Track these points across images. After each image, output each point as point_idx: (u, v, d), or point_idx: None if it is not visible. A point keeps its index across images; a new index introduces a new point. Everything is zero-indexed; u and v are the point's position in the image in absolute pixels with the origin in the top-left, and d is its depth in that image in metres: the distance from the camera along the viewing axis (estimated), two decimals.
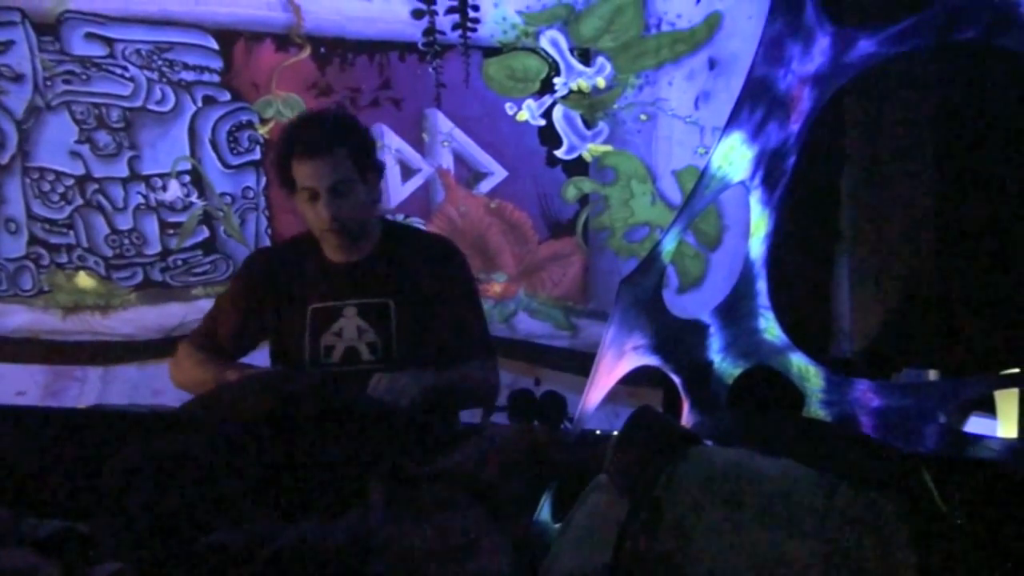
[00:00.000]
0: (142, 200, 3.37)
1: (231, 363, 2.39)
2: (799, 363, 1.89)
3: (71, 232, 3.36)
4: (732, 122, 1.69)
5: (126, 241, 3.39)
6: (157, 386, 3.40)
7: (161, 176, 3.37)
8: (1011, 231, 2.71)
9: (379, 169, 2.41)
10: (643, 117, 3.31)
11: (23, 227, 3.35)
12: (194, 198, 3.39)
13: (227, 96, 3.33)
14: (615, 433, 1.43)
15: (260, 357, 2.51)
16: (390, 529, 1.30)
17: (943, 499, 1.26)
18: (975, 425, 1.95)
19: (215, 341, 2.44)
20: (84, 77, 3.26)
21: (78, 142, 3.31)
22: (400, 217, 3.38)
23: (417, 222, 3.36)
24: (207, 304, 3.41)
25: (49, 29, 3.23)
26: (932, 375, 2.76)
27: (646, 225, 3.39)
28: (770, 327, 1.90)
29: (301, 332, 2.35)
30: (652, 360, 1.78)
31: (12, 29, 3.22)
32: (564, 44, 3.26)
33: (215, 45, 3.28)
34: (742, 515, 1.24)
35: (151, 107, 3.31)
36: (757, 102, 1.70)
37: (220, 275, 3.44)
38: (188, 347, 2.49)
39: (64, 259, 3.38)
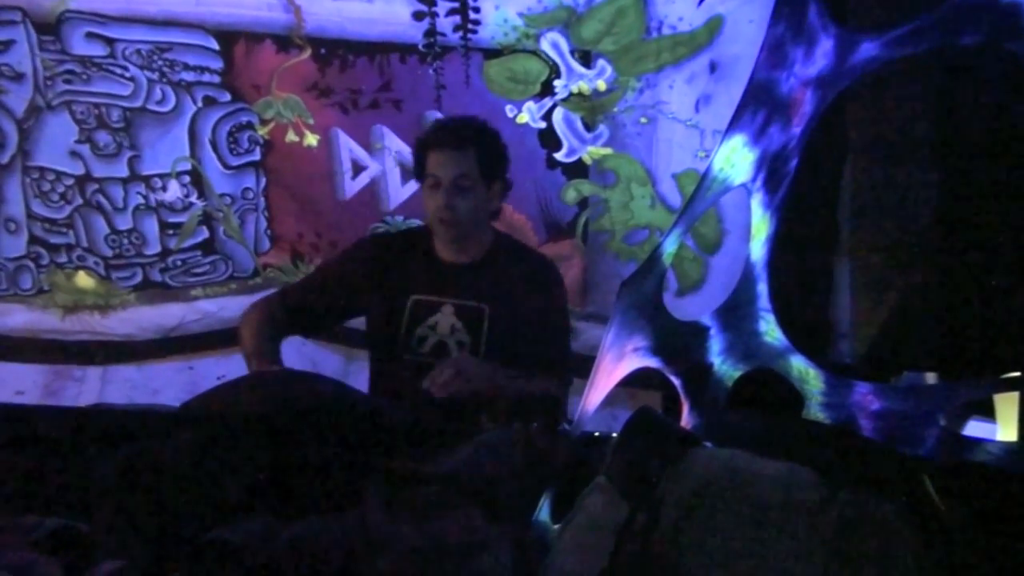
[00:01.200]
0: (142, 200, 3.37)
1: (271, 359, 2.46)
2: (799, 366, 1.89)
3: (71, 232, 3.36)
4: (734, 125, 1.69)
5: (126, 241, 3.39)
6: (156, 386, 3.41)
7: (161, 176, 3.37)
8: (1013, 234, 2.72)
9: (505, 182, 2.56)
10: (643, 120, 3.30)
11: (23, 226, 3.35)
12: (194, 199, 3.39)
13: (227, 97, 3.32)
14: (614, 435, 1.44)
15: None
16: (389, 529, 1.30)
17: (942, 502, 1.26)
18: (975, 428, 1.95)
19: (297, 310, 2.56)
20: (84, 77, 3.26)
21: (78, 142, 3.31)
22: (400, 219, 3.38)
23: (417, 223, 3.36)
24: (206, 304, 3.43)
25: (50, 28, 3.22)
26: (932, 378, 2.76)
27: (646, 228, 3.39)
28: (770, 330, 1.90)
29: (399, 320, 2.49)
30: (652, 362, 1.78)
31: (13, 28, 3.21)
32: (565, 46, 3.26)
33: (216, 46, 3.27)
34: (741, 517, 1.24)
35: (151, 107, 3.30)
36: (759, 105, 1.70)
37: (219, 275, 3.44)
38: (265, 308, 2.59)
39: (64, 259, 3.37)
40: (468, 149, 2.46)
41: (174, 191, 3.37)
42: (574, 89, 3.27)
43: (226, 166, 3.38)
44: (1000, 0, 1.49)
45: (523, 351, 2.47)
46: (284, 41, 3.27)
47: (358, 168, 3.39)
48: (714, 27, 3.21)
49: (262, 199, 3.41)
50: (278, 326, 2.55)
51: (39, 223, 3.35)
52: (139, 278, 3.41)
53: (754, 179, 1.79)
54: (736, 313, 1.90)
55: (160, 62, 3.26)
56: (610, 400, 1.77)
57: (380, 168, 3.37)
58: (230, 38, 3.27)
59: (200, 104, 3.32)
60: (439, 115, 3.31)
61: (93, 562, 1.26)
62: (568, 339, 2.67)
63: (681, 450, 1.33)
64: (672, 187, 3.35)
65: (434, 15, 3.22)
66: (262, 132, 3.36)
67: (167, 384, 3.40)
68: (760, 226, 1.87)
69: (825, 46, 1.69)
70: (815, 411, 1.85)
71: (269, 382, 1.85)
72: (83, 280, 3.40)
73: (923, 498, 1.26)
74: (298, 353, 3.44)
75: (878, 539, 1.20)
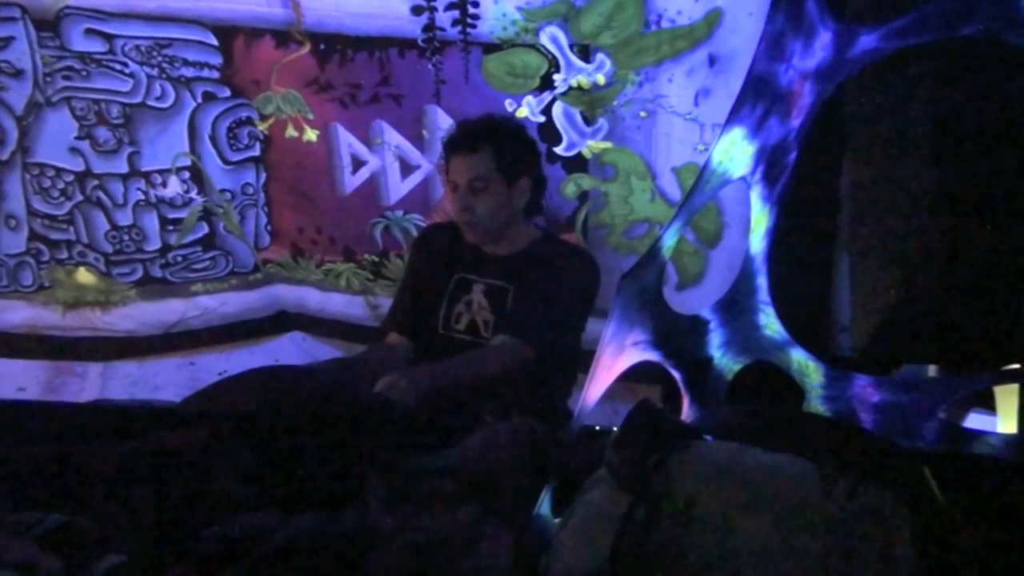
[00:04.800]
0: (142, 196, 3.37)
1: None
2: (799, 359, 1.89)
3: (71, 228, 3.36)
4: (733, 118, 1.69)
5: (126, 237, 3.39)
6: (157, 382, 3.41)
7: (161, 172, 3.36)
8: (1012, 227, 2.71)
9: (534, 177, 2.55)
10: (643, 114, 3.30)
11: (23, 223, 3.35)
12: (194, 194, 3.39)
13: (227, 92, 3.32)
14: (615, 428, 1.44)
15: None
16: (391, 523, 1.31)
17: (942, 494, 1.26)
18: (975, 421, 1.95)
19: (410, 323, 2.59)
20: (84, 73, 3.26)
21: (78, 138, 3.31)
22: (399, 214, 3.38)
23: (416, 218, 3.36)
24: (207, 300, 3.44)
25: (49, 25, 3.21)
26: (932, 371, 2.76)
27: (645, 222, 3.38)
28: (770, 323, 1.91)
29: (443, 296, 2.54)
30: (652, 356, 1.78)
31: (12, 25, 3.21)
32: (564, 40, 3.26)
33: (215, 41, 3.26)
34: (742, 509, 1.24)
35: (151, 103, 3.30)
36: (758, 98, 1.70)
37: (220, 271, 3.44)
38: (397, 338, 2.60)
39: (64, 255, 3.37)
40: (483, 150, 2.45)
41: (174, 187, 3.37)
42: (573, 83, 3.27)
43: (226, 162, 3.38)
44: None
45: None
46: (283, 36, 3.26)
47: (358, 163, 3.38)
48: (713, 20, 3.20)
49: (262, 194, 3.41)
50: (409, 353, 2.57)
51: (39, 219, 3.36)
52: (139, 274, 3.41)
53: (753, 172, 1.80)
54: (736, 306, 1.90)
55: (159, 58, 3.26)
56: (610, 394, 1.77)
57: (380, 163, 3.37)
58: (229, 33, 3.26)
59: (200, 100, 3.31)
60: (439, 109, 3.31)
61: (94, 558, 1.26)
62: (567, 311, 2.54)
63: (682, 443, 1.33)
64: (672, 181, 3.34)
65: (433, 10, 3.22)
66: (262, 127, 3.35)
67: (168, 380, 3.40)
68: (760, 219, 1.88)
69: (824, 39, 1.69)
70: (815, 404, 1.85)
71: (270, 377, 1.85)
72: (84, 276, 3.40)
73: (923, 490, 1.26)
74: (299, 348, 3.45)
75: (878, 530, 1.21)
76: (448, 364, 2.37)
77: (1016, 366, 2.10)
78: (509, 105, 3.29)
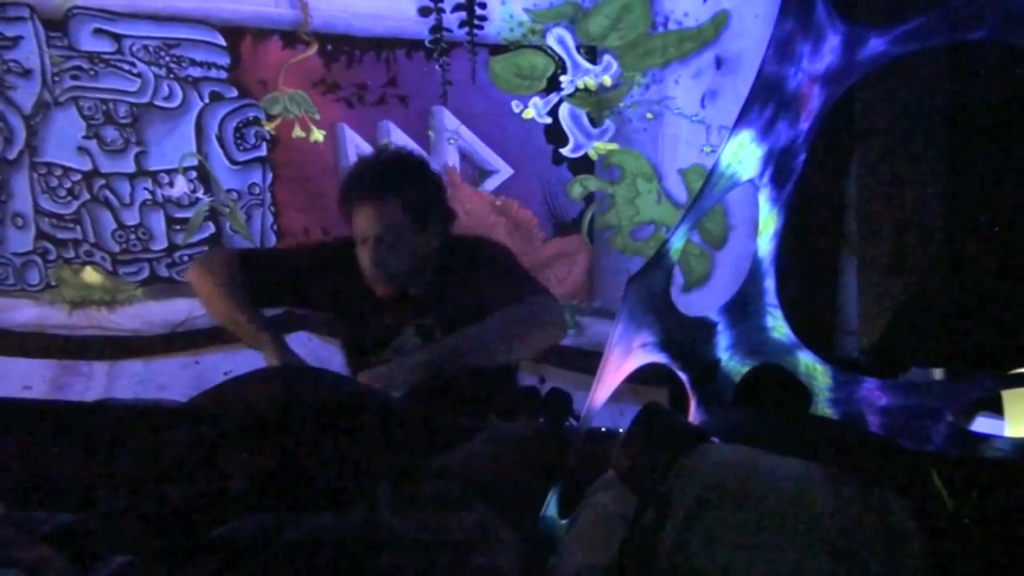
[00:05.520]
0: (149, 196, 3.37)
1: (260, 320, 2.42)
2: (807, 361, 1.89)
3: (78, 227, 3.37)
4: (741, 120, 1.68)
5: (133, 237, 3.39)
6: (163, 381, 3.42)
7: (168, 172, 3.37)
8: (1020, 231, 2.71)
9: (445, 215, 2.37)
10: (649, 115, 3.30)
11: (30, 222, 3.36)
12: (200, 194, 3.39)
13: (234, 92, 3.32)
14: (622, 430, 1.44)
15: None
16: (398, 523, 1.31)
17: (950, 498, 1.26)
18: (983, 425, 1.95)
19: (256, 279, 2.44)
20: (92, 73, 3.26)
21: (86, 137, 3.31)
22: None
23: None
24: None
25: (57, 25, 3.23)
26: (939, 374, 2.76)
27: (652, 223, 3.38)
28: (778, 325, 1.90)
29: (366, 335, 2.42)
30: (659, 358, 1.78)
31: (21, 24, 3.22)
32: (571, 42, 3.26)
33: (222, 41, 3.27)
34: (749, 512, 1.24)
35: (158, 103, 3.31)
36: (767, 100, 1.69)
37: None
38: (224, 267, 2.47)
39: (71, 254, 3.38)
40: (392, 200, 2.27)
41: (181, 187, 3.38)
42: (580, 85, 3.27)
43: (233, 161, 3.38)
44: None
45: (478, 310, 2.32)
46: (291, 37, 3.27)
47: None
48: (720, 22, 3.20)
49: (268, 194, 3.42)
50: (241, 289, 2.45)
51: (46, 218, 3.36)
52: (146, 273, 3.42)
53: (761, 175, 1.79)
54: (743, 309, 1.90)
55: (167, 58, 3.27)
56: (617, 396, 1.77)
57: None
58: (237, 34, 3.27)
59: (207, 100, 3.32)
60: (445, 110, 3.31)
61: (101, 558, 1.27)
62: (520, 269, 2.48)
63: (689, 446, 1.33)
64: (678, 182, 3.34)
65: (440, 11, 3.22)
66: (269, 127, 3.36)
67: (174, 379, 3.40)
68: (767, 222, 1.87)
69: (832, 41, 1.69)
70: (823, 407, 1.85)
71: (277, 378, 1.85)
72: (90, 275, 3.40)
73: (931, 494, 1.26)
74: (305, 348, 3.45)
75: (886, 535, 1.20)
76: (440, 342, 2.24)
77: None
78: (516, 107, 3.29)
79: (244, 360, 3.24)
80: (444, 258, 2.46)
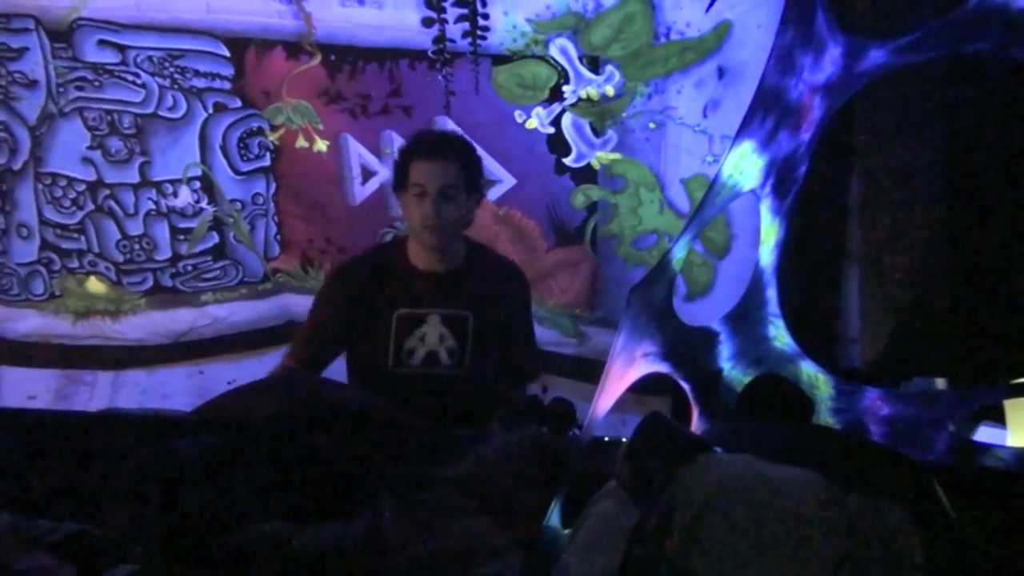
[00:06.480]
0: (153, 206, 3.38)
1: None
2: (809, 371, 1.89)
3: (82, 237, 3.38)
4: (743, 131, 1.69)
5: (137, 246, 3.40)
6: (166, 391, 3.42)
7: (172, 182, 3.38)
8: (1021, 241, 2.71)
9: (481, 191, 2.63)
10: (652, 125, 3.31)
11: (35, 232, 3.36)
12: (204, 204, 3.40)
13: (238, 103, 3.34)
14: (624, 440, 1.44)
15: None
16: (402, 532, 1.31)
17: (952, 507, 1.26)
18: (985, 434, 1.95)
19: (311, 363, 2.56)
20: (97, 84, 3.28)
21: (90, 148, 3.32)
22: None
23: None
24: (217, 309, 3.44)
25: (63, 36, 3.24)
26: (942, 384, 2.75)
27: (654, 233, 3.39)
28: (780, 335, 1.91)
29: (386, 336, 2.51)
30: (662, 367, 1.78)
31: (27, 36, 3.23)
32: (573, 52, 3.27)
33: (226, 52, 3.29)
34: (751, 522, 1.24)
35: (163, 113, 3.32)
36: (768, 111, 1.70)
37: (230, 281, 3.45)
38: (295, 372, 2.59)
39: (75, 264, 3.39)
40: (453, 160, 2.50)
41: (185, 197, 3.38)
42: (583, 94, 3.28)
43: (236, 172, 3.39)
44: (1010, 7, 1.49)
45: (502, 350, 2.60)
46: (294, 48, 3.28)
47: (367, 174, 3.40)
48: (722, 32, 3.22)
49: (272, 204, 3.42)
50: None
51: (51, 228, 3.37)
52: (150, 283, 3.43)
53: (763, 185, 1.80)
54: (746, 318, 1.90)
55: (171, 69, 3.28)
56: (620, 405, 1.77)
57: (389, 173, 3.38)
58: (241, 45, 3.29)
59: (211, 110, 3.33)
60: (448, 120, 3.32)
61: (108, 567, 1.27)
62: (533, 329, 2.80)
63: (691, 456, 1.33)
64: (680, 192, 3.35)
65: (443, 21, 3.24)
66: (272, 138, 3.37)
67: (177, 389, 3.41)
68: (769, 231, 1.88)
69: (833, 53, 1.70)
70: (825, 416, 1.85)
71: (283, 387, 1.86)
72: (94, 285, 3.41)
73: (933, 503, 1.26)
74: None
75: (888, 544, 1.20)
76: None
77: None
78: (519, 116, 3.30)
79: (248, 369, 3.25)
80: (473, 251, 2.64)
